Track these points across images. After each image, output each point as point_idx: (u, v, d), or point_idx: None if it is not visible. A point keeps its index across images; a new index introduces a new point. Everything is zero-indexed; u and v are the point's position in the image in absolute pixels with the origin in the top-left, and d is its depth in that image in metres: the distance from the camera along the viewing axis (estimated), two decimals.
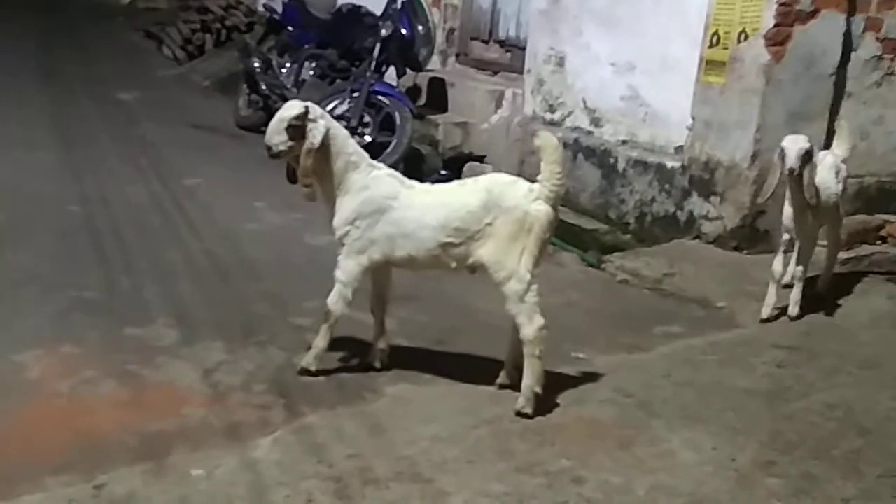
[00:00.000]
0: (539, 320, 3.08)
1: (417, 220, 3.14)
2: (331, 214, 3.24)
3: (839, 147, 4.40)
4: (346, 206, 3.18)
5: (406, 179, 3.29)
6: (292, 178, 3.29)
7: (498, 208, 3.07)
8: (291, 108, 3.15)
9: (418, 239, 3.14)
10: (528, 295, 3.07)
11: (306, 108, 3.14)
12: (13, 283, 4.02)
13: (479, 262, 3.13)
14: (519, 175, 3.25)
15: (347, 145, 3.21)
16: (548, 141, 3.07)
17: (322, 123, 3.15)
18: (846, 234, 4.72)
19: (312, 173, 3.16)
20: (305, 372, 3.32)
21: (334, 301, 3.25)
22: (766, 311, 4.16)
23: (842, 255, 4.65)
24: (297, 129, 3.11)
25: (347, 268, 3.22)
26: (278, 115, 3.16)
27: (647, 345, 3.90)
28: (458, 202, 3.12)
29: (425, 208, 3.15)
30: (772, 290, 4.16)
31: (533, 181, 3.13)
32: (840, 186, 4.29)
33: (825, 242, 4.48)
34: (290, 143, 3.13)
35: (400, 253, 3.18)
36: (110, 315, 3.77)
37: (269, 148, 3.16)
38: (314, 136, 3.11)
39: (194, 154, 6.84)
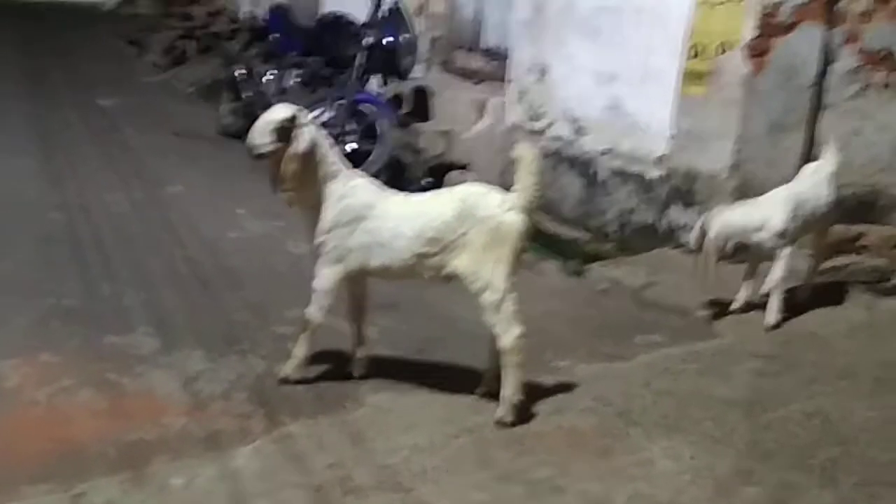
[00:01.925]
0: (516, 329, 3.09)
1: (393, 230, 3.14)
2: (308, 222, 3.23)
3: (829, 159, 4.45)
4: (324, 215, 3.18)
5: (384, 189, 3.30)
6: (275, 186, 3.27)
7: (472, 218, 3.08)
8: (280, 111, 3.15)
9: (393, 249, 3.15)
10: (505, 304, 3.07)
11: (296, 112, 3.15)
12: None
13: (454, 273, 3.13)
14: (501, 183, 3.27)
15: (329, 154, 3.22)
16: (525, 152, 3.08)
17: (309, 129, 3.16)
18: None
19: (291, 179, 3.15)
20: (286, 381, 3.32)
21: (312, 310, 3.25)
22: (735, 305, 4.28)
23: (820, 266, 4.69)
24: (284, 132, 3.11)
25: (324, 276, 3.22)
26: (266, 115, 3.16)
27: (627, 354, 3.91)
28: (433, 212, 3.13)
29: (401, 218, 3.15)
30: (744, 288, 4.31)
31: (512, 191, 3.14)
32: (831, 197, 4.35)
33: (810, 251, 4.52)
34: (274, 146, 3.12)
35: (375, 262, 3.19)
36: (90, 323, 3.76)
37: (252, 148, 3.16)
38: (301, 142, 3.11)
39: (176, 161, 6.82)
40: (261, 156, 3.17)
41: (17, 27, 12.70)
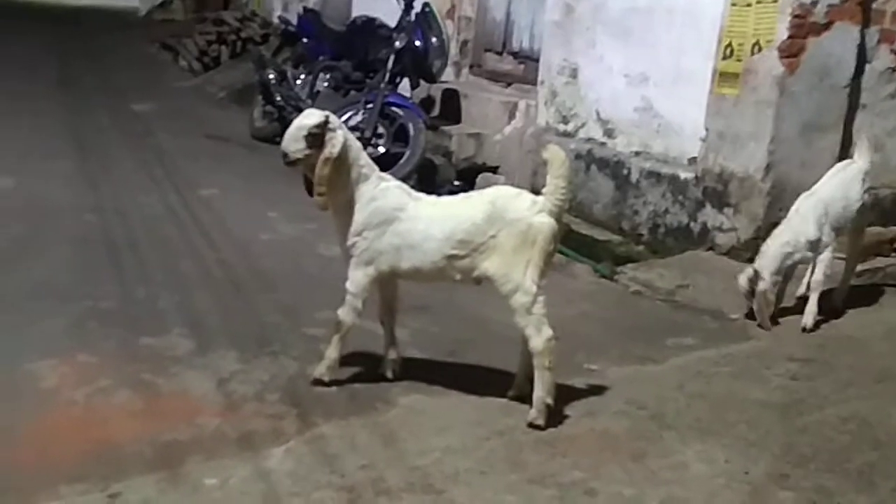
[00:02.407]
0: (547, 331, 3.09)
1: (423, 232, 3.16)
2: (339, 225, 3.26)
3: (861, 158, 4.40)
4: (354, 218, 3.21)
5: (413, 192, 3.32)
6: (311, 189, 3.28)
7: (502, 221, 3.09)
8: (311, 117, 3.17)
9: (424, 251, 3.16)
10: (535, 307, 3.07)
11: (327, 117, 3.17)
12: (29, 292, 4.05)
13: (484, 275, 3.14)
14: (532, 186, 3.27)
15: (360, 157, 3.24)
16: (555, 155, 3.08)
17: (341, 133, 3.18)
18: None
19: (325, 183, 3.17)
20: (318, 382, 3.34)
21: (345, 312, 3.28)
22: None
23: (857, 268, 4.62)
24: (316, 137, 3.13)
25: (356, 279, 3.24)
26: (297, 122, 3.18)
27: (659, 356, 3.90)
28: (463, 215, 3.14)
29: (431, 220, 3.17)
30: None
31: (541, 193, 3.15)
32: (864, 197, 4.30)
33: (843, 254, 4.47)
34: (307, 152, 3.15)
35: (406, 264, 3.20)
36: (126, 325, 3.80)
37: (285, 155, 3.17)
38: (334, 146, 3.13)
39: (209, 164, 6.87)
40: (294, 161, 3.19)
41: (52, 32, 12.91)
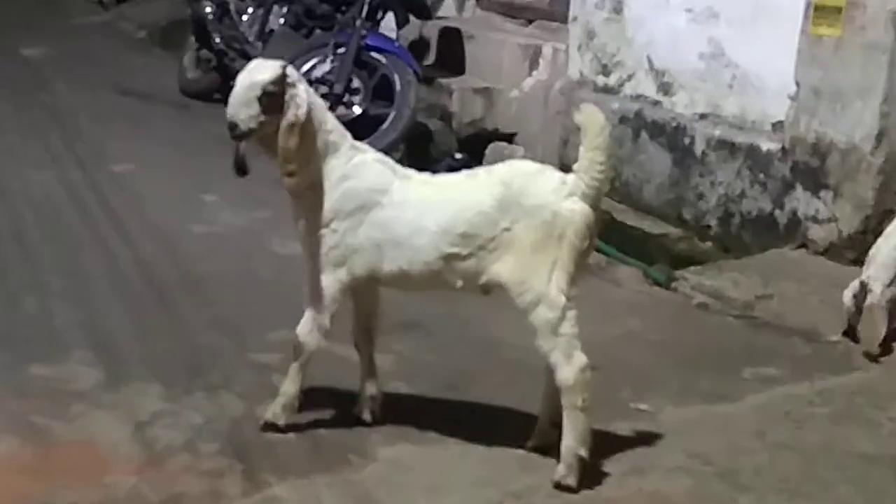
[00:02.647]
0: (580, 359, 3.09)
1: (413, 223, 3.17)
2: (297, 213, 3.28)
3: None
4: (320, 203, 3.22)
5: (400, 167, 3.33)
6: (243, 168, 3.30)
7: (518, 208, 3.09)
8: (264, 70, 3.17)
9: (413, 248, 3.17)
10: (564, 325, 3.07)
11: (284, 68, 3.18)
12: None
13: (494, 281, 3.15)
14: (560, 160, 3.28)
15: (326, 121, 3.26)
16: (591, 118, 3.07)
17: (304, 88, 3.20)
18: None
19: (273, 154, 3.19)
20: (271, 427, 3.34)
21: (307, 331, 3.28)
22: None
23: None
24: (273, 98, 3.13)
25: (322, 286, 3.25)
26: (245, 79, 3.17)
27: (733, 393, 3.91)
28: (467, 199, 3.16)
29: (423, 207, 3.18)
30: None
31: (570, 170, 3.15)
32: None
33: None
34: (262, 118, 3.15)
35: (390, 266, 3.21)
36: (10, 348, 3.79)
37: (234, 126, 3.16)
38: (299, 107, 3.14)
39: (124, 130, 6.86)
40: (246, 133, 3.18)
41: None
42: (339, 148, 3.24)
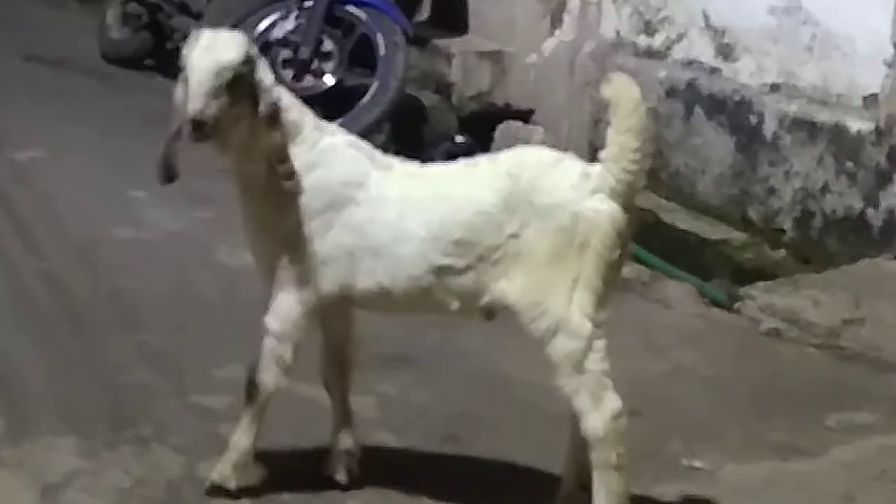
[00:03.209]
0: (613, 402, 3.05)
1: (395, 226, 3.15)
2: (248, 215, 3.30)
3: None
4: (278, 201, 3.21)
5: (380, 154, 3.32)
6: (172, 171, 3.29)
7: (529, 209, 3.07)
8: (228, 47, 3.14)
9: (396, 258, 3.15)
10: (591, 359, 3.04)
11: (246, 45, 3.18)
12: None
13: (500, 303, 3.13)
14: (591, 145, 3.20)
15: (279, 97, 3.23)
16: (623, 91, 3.03)
17: (265, 66, 3.23)
18: None
19: (227, 148, 3.18)
20: (218, 490, 3.30)
21: (263, 366, 3.25)
22: None
23: None
24: (242, 83, 3.12)
25: (283, 308, 3.24)
26: (208, 59, 3.12)
27: (813, 445, 3.89)
28: (464, 196, 3.14)
29: (408, 206, 3.17)
30: None
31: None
32: None
33: None
34: (230, 110, 3.11)
35: (366, 282, 3.19)
36: None
37: (200, 125, 3.07)
38: (270, 96, 3.16)
39: (30, 107, 6.82)
40: (212, 131, 3.11)
41: None
42: (300, 130, 3.23)
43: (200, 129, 3.07)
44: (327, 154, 3.22)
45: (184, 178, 3.27)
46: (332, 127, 3.35)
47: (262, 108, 3.14)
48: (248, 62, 3.14)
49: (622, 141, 2.99)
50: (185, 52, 3.18)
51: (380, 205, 3.17)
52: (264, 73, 3.20)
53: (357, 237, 3.17)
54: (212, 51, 3.13)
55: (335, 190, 3.19)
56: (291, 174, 3.15)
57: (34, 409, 3.67)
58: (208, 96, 3.07)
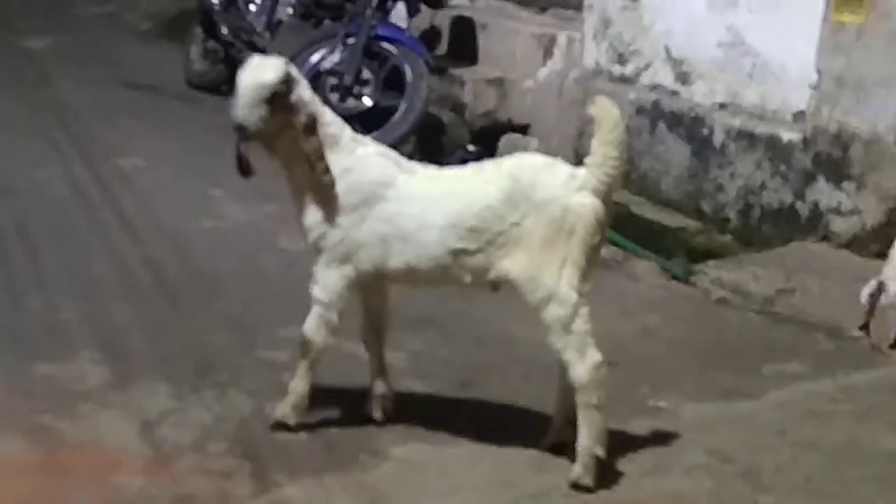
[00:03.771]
0: (594, 356, 3.10)
1: (419, 217, 3.18)
2: (300, 209, 3.31)
3: None
4: (321, 197, 3.24)
5: (405, 160, 3.35)
6: (247, 168, 3.34)
7: (528, 203, 3.11)
8: (268, 69, 3.20)
9: (420, 243, 3.19)
10: (577, 322, 3.09)
11: (286, 67, 3.22)
12: None
13: (504, 278, 3.16)
14: (576, 152, 3.29)
15: (324, 113, 3.30)
16: (606, 111, 3.08)
17: (305, 85, 3.26)
18: None
19: (275, 152, 3.25)
20: (280, 426, 3.36)
21: (314, 328, 3.30)
22: None
23: None
24: (281, 98, 3.17)
25: (328, 282, 3.27)
26: (251, 79, 3.20)
27: (753, 389, 3.91)
28: (474, 194, 3.17)
29: (430, 201, 3.20)
30: None
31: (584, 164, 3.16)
32: None
33: None
34: (270, 119, 3.18)
35: (396, 262, 3.23)
36: (15, 346, 3.81)
37: (242, 129, 3.19)
38: (307, 106, 3.20)
39: (130, 124, 6.87)
40: (256, 135, 3.22)
41: None
42: (338, 141, 3.27)
43: (242, 131, 3.18)
44: (361, 160, 3.25)
45: (252, 179, 3.32)
46: (367, 139, 3.38)
47: (300, 119, 3.17)
48: (285, 82, 3.16)
49: (605, 150, 3.05)
50: (238, 73, 3.24)
51: (406, 200, 3.20)
52: (303, 92, 3.21)
53: (388, 227, 3.20)
54: (255, 72, 3.18)
55: (368, 189, 3.21)
56: (326, 171, 3.18)
57: (135, 362, 3.76)
58: (249, 107, 3.15)
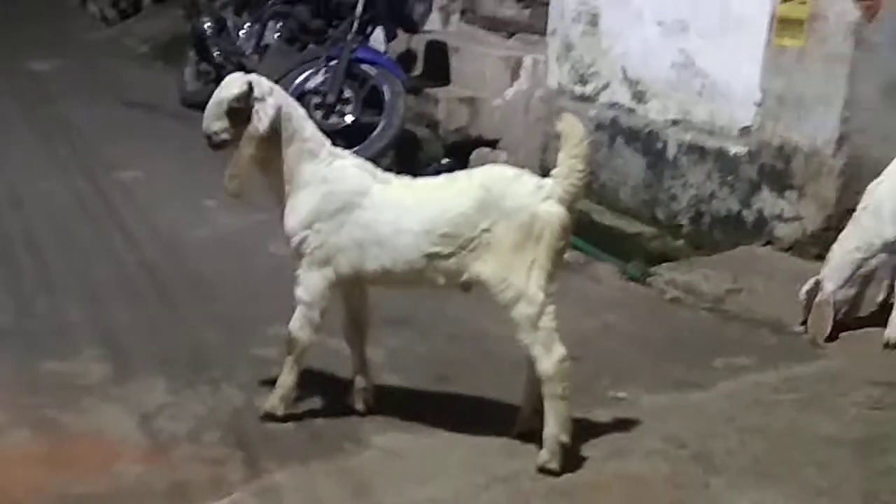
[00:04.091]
0: (559, 351, 3.10)
1: (394, 223, 3.18)
2: (282, 217, 3.33)
3: None
4: (301, 206, 3.25)
5: (379, 172, 3.35)
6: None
7: (497, 210, 3.10)
8: (231, 86, 3.25)
9: (395, 247, 3.18)
10: (543, 319, 3.09)
11: (249, 84, 3.24)
12: None
13: (475, 279, 3.16)
14: (541, 165, 3.29)
15: (304, 128, 3.30)
16: (571, 127, 3.09)
17: (271, 102, 3.25)
18: None
19: (258, 164, 3.27)
20: (270, 417, 3.37)
21: (298, 327, 3.30)
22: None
23: None
24: (240, 111, 3.21)
25: (310, 284, 3.27)
26: (216, 94, 3.26)
27: (705, 381, 3.93)
28: (448, 202, 3.17)
29: (404, 208, 3.20)
30: None
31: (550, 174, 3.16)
32: None
33: None
34: (232, 131, 3.24)
35: (372, 265, 3.23)
36: (23, 345, 3.82)
37: (208, 137, 3.27)
38: (260, 120, 3.20)
39: (129, 140, 6.87)
40: (221, 143, 3.28)
41: None
42: (316, 154, 3.28)
43: (208, 140, 3.27)
44: (338, 171, 3.26)
45: (244, 190, 3.32)
46: (345, 153, 3.38)
47: (249, 128, 3.20)
48: (242, 99, 3.20)
49: (571, 164, 3.06)
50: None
51: (381, 208, 3.20)
52: (265, 109, 3.20)
53: (365, 232, 3.20)
54: (221, 89, 3.26)
55: (344, 198, 3.21)
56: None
57: (135, 359, 3.76)
58: (210, 119, 3.26)
